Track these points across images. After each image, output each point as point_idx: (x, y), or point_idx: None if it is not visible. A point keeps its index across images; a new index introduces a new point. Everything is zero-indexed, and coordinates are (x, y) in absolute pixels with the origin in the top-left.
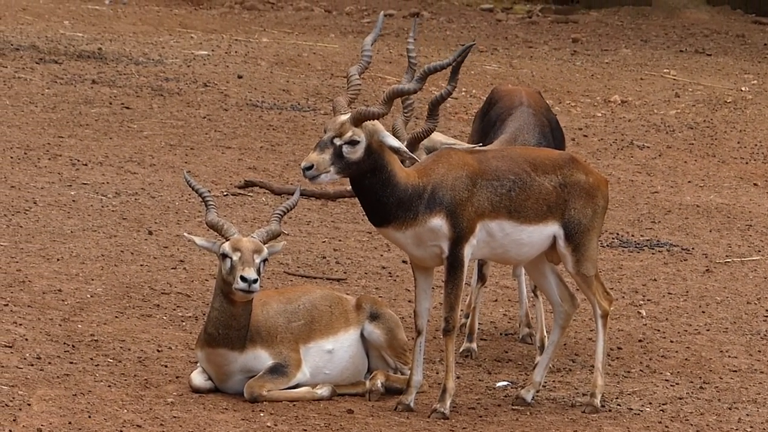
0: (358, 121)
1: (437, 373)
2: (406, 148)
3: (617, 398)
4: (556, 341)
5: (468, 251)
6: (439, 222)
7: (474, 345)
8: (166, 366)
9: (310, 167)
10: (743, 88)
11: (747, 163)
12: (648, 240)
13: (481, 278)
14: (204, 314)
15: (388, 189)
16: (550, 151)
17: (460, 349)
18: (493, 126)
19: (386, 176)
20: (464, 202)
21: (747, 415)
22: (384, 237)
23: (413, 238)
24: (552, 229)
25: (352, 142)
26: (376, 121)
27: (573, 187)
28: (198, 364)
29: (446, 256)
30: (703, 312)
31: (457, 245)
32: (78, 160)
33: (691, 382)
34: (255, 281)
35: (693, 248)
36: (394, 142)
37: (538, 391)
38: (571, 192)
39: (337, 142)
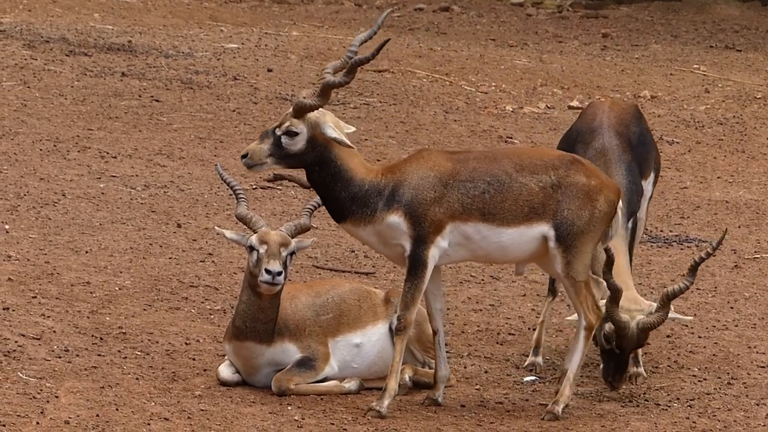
0: (297, 112)
1: (465, 367)
2: (344, 139)
3: (645, 393)
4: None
5: (434, 252)
6: (396, 219)
7: (539, 359)
8: (193, 359)
9: (246, 155)
10: None
11: None
12: (677, 235)
13: (552, 292)
14: (232, 307)
15: (339, 183)
16: (547, 150)
17: (525, 363)
18: (575, 144)
19: (335, 170)
20: (428, 202)
21: None
22: (348, 233)
23: (375, 236)
24: (540, 230)
25: (290, 133)
26: (325, 112)
27: (569, 188)
28: (226, 357)
29: (407, 255)
30: (732, 308)
31: (420, 245)
32: (107, 153)
33: (719, 377)
34: (279, 274)
35: (722, 244)
36: (332, 132)
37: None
38: (565, 193)
39: (278, 132)
